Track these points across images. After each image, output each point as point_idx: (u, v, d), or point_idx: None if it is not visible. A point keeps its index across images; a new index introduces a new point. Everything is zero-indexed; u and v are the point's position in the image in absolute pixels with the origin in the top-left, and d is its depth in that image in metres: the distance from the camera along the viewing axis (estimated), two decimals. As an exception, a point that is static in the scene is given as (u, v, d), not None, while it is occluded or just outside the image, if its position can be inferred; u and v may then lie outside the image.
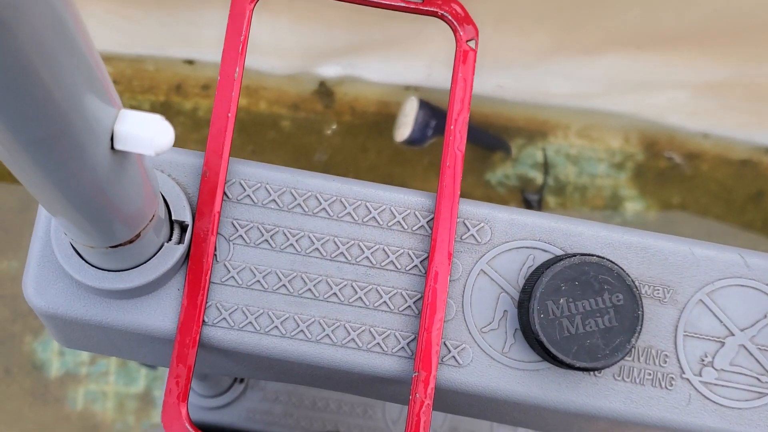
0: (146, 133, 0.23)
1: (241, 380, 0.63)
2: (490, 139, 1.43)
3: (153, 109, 1.40)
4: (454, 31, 0.34)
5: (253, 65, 1.38)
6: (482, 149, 1.43)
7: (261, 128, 1.44)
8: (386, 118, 1.44)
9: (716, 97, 1.30)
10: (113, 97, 0.23)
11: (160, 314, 0.32)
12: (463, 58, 0.34)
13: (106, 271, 0.31)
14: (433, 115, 1.36)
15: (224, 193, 0.33)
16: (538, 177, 1.45)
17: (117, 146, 0.23)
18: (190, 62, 1.40)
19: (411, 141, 1.37)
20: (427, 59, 1.36)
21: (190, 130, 1.39)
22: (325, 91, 1.45)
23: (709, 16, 0.96)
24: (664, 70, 1.18)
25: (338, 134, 1.47)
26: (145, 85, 1.46)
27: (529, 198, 1.44)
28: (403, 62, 1.38)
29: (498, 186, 1.46)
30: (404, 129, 1.37)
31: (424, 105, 1.35)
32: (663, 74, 1.21)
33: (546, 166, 1.43)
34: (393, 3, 0.34)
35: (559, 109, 1.43)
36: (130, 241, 0.29)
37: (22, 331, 1.37)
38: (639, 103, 1.37)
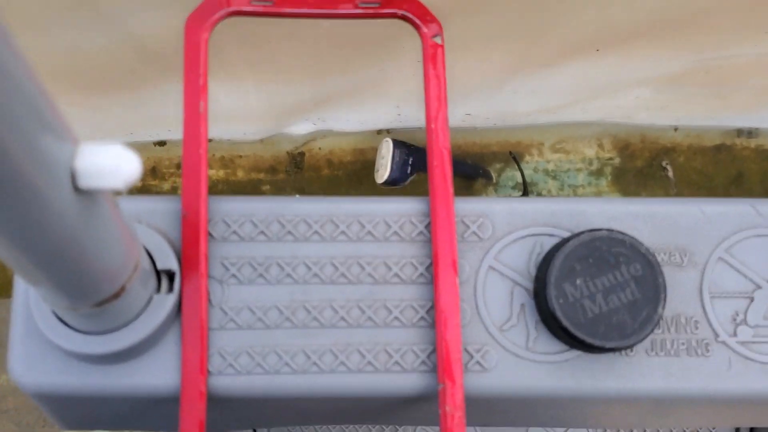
0: (110, 164, 0.21)
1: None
2: (468, 168, 1.43)
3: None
4: (418, 29, 0.33)
5: (225, 135, 1.38)
6: (463, 179, 1.43)
7: (238, 184, 1.42)
8: (364, 165, 1.44)
9: (680, 89, 1.31)
10: (68, 133, 0.21)
11: (161, 372, 0.30)
12: (432, 56, 0.33)
13: (95, 335, 0.29)
14: (409, 152, 1.36)
15: (208, 233, 0.31)
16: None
17: (81, 184, 0.21)
18: (161, 143, 1.39)
19: (392, 181, 1.36)
20: (394, 101, 1.37)
21: (169, 210, 1.38)
22: (295, 156, 1.45)
23: (659, 7, 0.98)
24: (626, 70, 1.19)
25: (320, 189, 1.47)
26: (117, 174, 1.45)
27: (514, 199, 1.43)
28: (372, 108, 1.39)
29: (485, 213, 1.45)
30: (383, 171, 1.37)
31: (399, 144, 1.35)
32: (625, 74, 1.22)
33: (518, 164, 1.43)
34: (351, 11, 0.33)
35: (529, 128, 1.43)
36: (115, 296, 0.27)
37: (28, 445, 1.32)
38: (606, 108, 1.38)
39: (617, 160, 1.48)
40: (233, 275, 0.31)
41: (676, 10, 1.02)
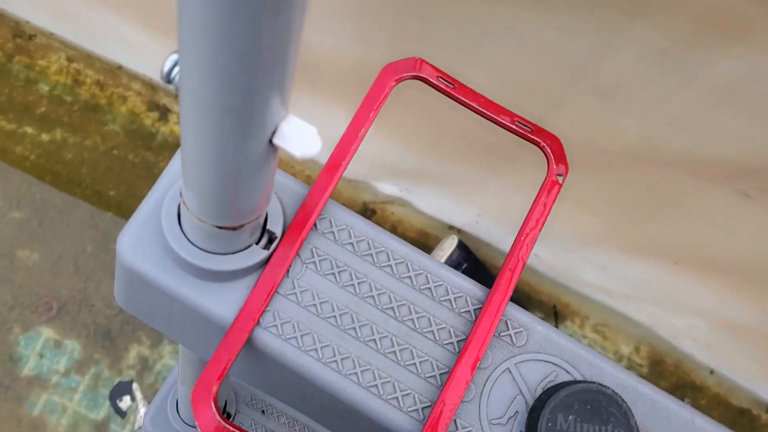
0: (301, 138, 0.28)
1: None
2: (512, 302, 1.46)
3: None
4: (549, 163, 0.39)
5: (322, 159, 1.46)
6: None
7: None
8: (422, 247, 1.50)
9: (733, 338, 1.33)
10: (288, 103, 0.28)
11: (226, 302, 0.36)
12: (549, 188, 0.39)
13: (197, 248, 0.35)
14: (467, 259, 1.41)
15: (314, 224, 0.37)
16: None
17: (275, 140, 0.28)
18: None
19: (440, 275, 1.41)
20: (479, 208, 1.43)
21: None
22: (368, 208, 1.52)
23: (752, 257, 1.02)
24: (693, 293, 1.23)
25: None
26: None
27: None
28: (457, 203, 1.45)
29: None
30: (438, 259, 1.42)
31: (462, 246, 1.41)
32: (690, 297, 1.25)
33: (556, 322, 1.45)
34: (507, 124, 0.39)
35: (584, 298, 1.47)
36: (233, 228, 0.33)
37: (14, 321, 1.39)
38: (658, 318, 1.40)
39: (645, 370, 1.49)
40: (314, 263, 0.37)
41: (766, 266, 1.06)
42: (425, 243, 1.50)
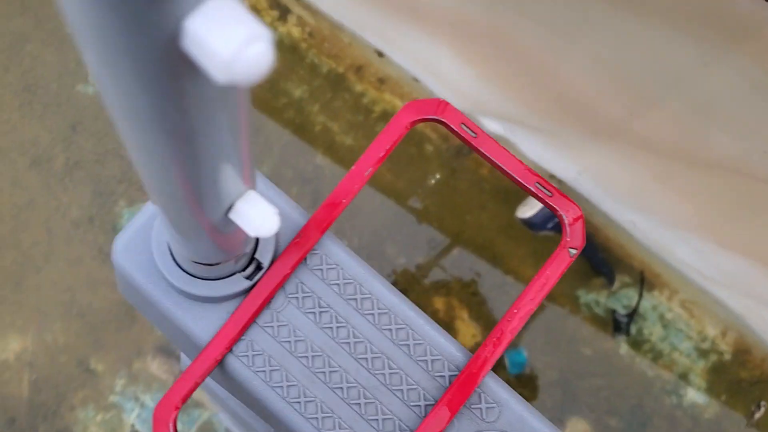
0: (257, 217, 0.27)
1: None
2: (601, 261, 1.42)
3: (328, 76, 1.48)
4: (563, 233, 0.36)
5: (436, 90, 1.43)
6: (589, 266, 1.42)
7: (406, 140, 1.48)
8: (517, 192, 1.46)
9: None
10: (250, 180, 0.27)
11: (204, 324, 0.36)
12: (558, 261, 0.36)
13: (181, 271, 0.35)
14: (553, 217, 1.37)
15: (304, 259, 0.37)
16: (624, 319, 1.43)
17: (231, 215, 0.27)
18: (380, 54, 1.46)
19: (529, 223, 1.38)
20: (580, 166, 1.36)
21: (347, 110, 1.45)
22: (466, 148, 1.48)
23: None
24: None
25: (467, 181, 1.50)
26: (333, 52, 1.54)
27: (619, 319, 1.43)
28: (559, 156, 1.39)
29: (584, 306, 1.44)
30: (529, 209, 1.38)
31: (554, 203, 1.36)
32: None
33: (641, 290, 1.41)
34: (526, 185, 0.36)
35: (675, 272, 1.39)
36: (210, 265, 0.33)
37: (121, 194, 1.48)
38: (750, 310, 1.32)
39: (727, 357, 1.43)
40: (297, 298, 0.37)
41: None
42: (518, 189, 1.46)
